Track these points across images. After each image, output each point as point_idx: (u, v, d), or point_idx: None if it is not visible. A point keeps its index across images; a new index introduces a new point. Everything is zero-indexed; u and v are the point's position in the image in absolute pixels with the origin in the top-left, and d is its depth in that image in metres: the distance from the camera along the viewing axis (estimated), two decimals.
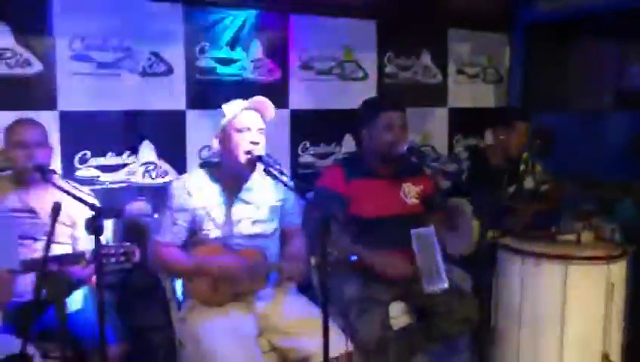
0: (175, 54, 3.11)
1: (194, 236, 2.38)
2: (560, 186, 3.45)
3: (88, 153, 2.92)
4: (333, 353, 2.08)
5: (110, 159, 2.98)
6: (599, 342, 2.61)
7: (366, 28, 3.74)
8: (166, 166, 3.14)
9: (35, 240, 2.37)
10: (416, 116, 3.87)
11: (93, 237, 1.87)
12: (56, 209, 1.90)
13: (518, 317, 2.69)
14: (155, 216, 2.82)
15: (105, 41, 2.91)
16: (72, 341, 2.12)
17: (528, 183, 3.34)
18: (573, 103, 4.28)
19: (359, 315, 2.50)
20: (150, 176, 3.10)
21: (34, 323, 2.03)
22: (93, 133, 2.92)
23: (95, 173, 2.95)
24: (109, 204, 2.81)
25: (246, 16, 3.29)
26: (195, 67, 3.18)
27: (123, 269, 2.08)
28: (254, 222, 2.43)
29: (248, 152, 2.32)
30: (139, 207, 3.03)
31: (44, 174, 2.29)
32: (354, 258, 2.26)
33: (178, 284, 2.48)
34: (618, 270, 2.64)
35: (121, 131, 3.01)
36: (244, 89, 3.27)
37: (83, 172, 2.91)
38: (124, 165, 3.03)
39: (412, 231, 2.54)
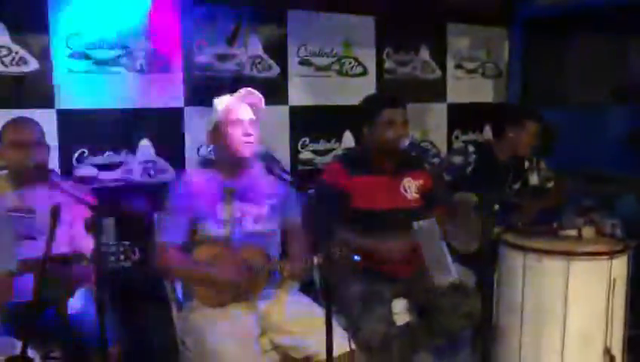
0: (174, 51, 3.08)
1: (197, 235, 2.36)
2: (562, 182, 3.44)
3: (86, 151, 2.90)
4: (336, 352, 2.06)
5: (108, 157, 2.96)
6: (601, 336, 2.60)
7: (365, 23, 3.73)
8: (164, 164, 3.12)
9: (34, 239, 2.34)
10: (415, 112, 3.85)
11: (92, 236, 1.85)
12: (56, 211, 1.87)
13: (520, 312, 2.68)
14: (155, 214, 2.81)
15: (102, 39, 2.89)
16: (72, 341, 2.09)
17: (533, 180, 3.33)
18: (572, 98, 4.27)
19: (363, 312, 2.49)
20: (148, 174, 3.09)
21: (34, 324, 2.00)
22: (90, 131, 2.90)
23: (93, 171, 2.93)
24: (107, 203, 2.80)
25: (244, 12, 3.26)
26: (194, 64, 3.16)
27: (123, 268, 2.04)
28: (256, 220, 2.41)
29: (243, 144, 2.31)
30: (137, 205, 3.01)
31: (43, 173, 2.27)
32: (357, 258, 2.25)
33: (179, 284, 2.47)
34: (620, 265, 2.62)
35: (119, 129, 2.99)
36: (242, 85, 3.24)
37: (81, 170, 2.89)
38: (122, 163, 3.01)
39: (414, 225, 2.53)
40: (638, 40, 3.95)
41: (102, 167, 2.95)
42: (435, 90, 4.12)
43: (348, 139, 3.69)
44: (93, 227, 1.86)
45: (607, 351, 2.61)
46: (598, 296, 2.59)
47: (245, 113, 2.37)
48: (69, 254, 2.19)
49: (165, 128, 3.12)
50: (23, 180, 2.37)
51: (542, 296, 2.63)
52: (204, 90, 3.17)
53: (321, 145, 3.63)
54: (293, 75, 3.48)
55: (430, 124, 4.11)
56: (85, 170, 2.90)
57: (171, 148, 3.14)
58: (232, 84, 3.24)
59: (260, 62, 3.37)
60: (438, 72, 4.10)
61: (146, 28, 3.00)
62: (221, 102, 2.39)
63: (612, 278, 2.58)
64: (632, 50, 4.03)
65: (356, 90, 3.63)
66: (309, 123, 3.56)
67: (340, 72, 3.66)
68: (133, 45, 2.97)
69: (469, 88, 4.27)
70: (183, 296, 2.46)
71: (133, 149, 3.03)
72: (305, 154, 3.57)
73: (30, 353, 1.93)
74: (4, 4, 2.66)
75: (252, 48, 3.34)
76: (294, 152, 3.53)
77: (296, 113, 3.50)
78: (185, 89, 3.14)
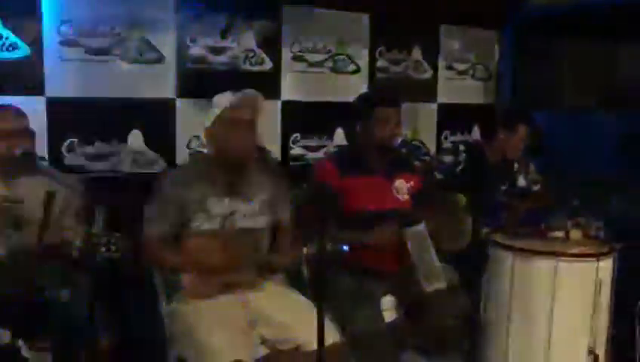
0: (166, 42, 3.06)
1: (186, 228, 2.35)
2: (548, 185, 3.48)
3: (76, 141, 2.86)
4: (326, 343, 2.06)
5: (98, 147, 2.93)
6: (586, 336, 2.64)
7: (359, 21, 3.73)
8: (154, 155, 3.10)
9: (22, 229, 2.31)
10: (406, 111, 3.85)
11: (81, 226, 1.83)
12: (50, 198, 1.84)
13: (508, 312, 2.71)
14: (144, 206, 2.78)
15: (95, 27, 2.85)
16: (60, 331, 2.07)
17: (521, 182, 3.37)
18: (561, 101, 4.32)
19: (352, 309, 2.50)
20: (138, 166, 3.05)
21: (23, 313, 1.98)
22: (81, 120, 2.86)
23: (82, 161, 2.89)
24: (96, 193, 2.76)
25: (239, 5, 3.25)
26: (186, 55, 3.13)
27: (111, 259, 2.02)
28: (246, 215, 2.41)
29: (240, 145, 2.29)
30: (126, 196, 2.98)
31: (32, 162, 2.23)
32: (345, 248, 2.26)
33: (168, 276, 2.45)
34: (606, 267, 2.67)
35: (110, 119, 2.96)
36: (235, 79, 3.25)
37: (70, 160, 2.86)
38: (112, 154, 2.98)
39: (405, 232, 2.54)
40: (628, 45, 4.01)
41: (91, 157, 2.91)
42: (426, 90, 4.13)
43: (339, 136, 3.69)
44: (84, 217, 1.83)
45: (592, 351, 2.65)
46: (584, 297, 2.63)
47: (245, 114, 2.35)
48: (58, 243, 2.15)
49: (156, 119, 3.09)
50: (10, 169, 2.33)
51: (529, 296, 2.67)
52: (196, 82, 3.16)
53: (313, 141, 3.62)
54: (286, 70, 3.47)
55: (420, 123, 4.12)
56: (75, 160, 2.87)
57: (162, 139, 3.11)
58: (225, 77, 3.23)
59: (253, 56, 3.35)
60: (430, 72, 4.12)
61: (140, 18, 2.96)
62: (221, 100, 2.36)
63: (598, 280, 2.62)
64: (621, 55, 4.09)
65: (348, 88, 3.65)
66: (301, 119, 3.55)
67: (332, 69, 3.66)
68: (126, 35, 2.94)
69: (459, 89, 4.29)
70: (172, 288, 2.44)
71: (123, 140, 3.00)
72: (296, 150, 3.56)
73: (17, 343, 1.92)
74: None
75: (246, 42, 3.32)
76: (285, 148, 3.52)
77: (288, 108, 3.49)
78: (177, 80, 3.11)
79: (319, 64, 3.60)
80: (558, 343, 2.62)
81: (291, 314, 2.33)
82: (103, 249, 2.02)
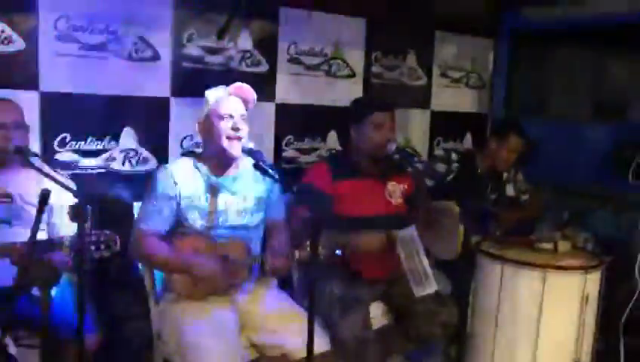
0: (162, 40, 3.04)
1: (178, 225, 2.34)
2: (537, 195, 3.50)
3: (68, 136, 2.84)
4: (315, 351, 2.07)
5: (90, 144, 2.91)
6: (572, 349, 2.67)
7: (356, 25, 3.73)
8: (147, 153, 3.08)
9: (10, 225, 2.29)
10: (399, 117, 3.85)
11: (74, 224, 1.82)
12: (45, 196, 1.82)
13: (495, 322, 2.73)
14: (135, 204, 2.77)
15: (91, 23, 2.83)
16: (48, 329, 2.05)
17: (509, 191, 3.39)
18: (553, 112, 4.35)
19: (341, 314, 2.50)
20: (130, 163, 3.04)
21: (10, 311, 1.96)
22: (74, 116, 2.83)
23: (74, 157, 2.87)
24: (87, 190, 2.74)
25: (236, 5, 3.23)
26: (182, 54, 3.12)
27: (101, 258, 2.01)
28: (240, 213, 2.40)
29: (231, 138, 2.30)
30: (118, 194, 2.97)
31: (24, 156, 2.21)
32: (339, 252, 2.27)
33: (157, 276, 2.44)
34: (593, 280, 2.69)
35: (103, 116, 2.93)
36: (230, 79, 3.22)
37: (62, 155, 2.83)
38: (105, 150, 2.96)
39: (394, 233, 2.54)
40: (620, 58, 4.05)
41: (83, 153, 2.89)
42: (420, 97, 4.14)
43: (332, 139, 3.69)
44: (76, 215, 1.82)
45: None
46: (571, 310, 2.65)
47: (236, 108, 2.35)
48: (48, 241, 2.14)
49: (150, 118, 3.07)
50: (2, 163, 2.31)
51: (517, 306, 2.68)
52: (191, 81, 3.13)
53: (306, 144, 3.62)
54: (281, 72, 3.46)
55: (413, 129, 4.14)
56: (66, 156, 2.84)
57: (155, 138, 3.09)
58: (221, 77, 3.21)
59: (249, 57, 3.34)
60: (424, 79, 4.14)
61: (136, 15, 2.95)
62: (213, 94, 2.37)
63: (585, 293, 2.64)
64: (613, 68, 4.13)
65: (343, 92, 3.65)
66: (295, 121, 3.55)
67: (328, 73, 3.66)
68: (122, 32, 2.92)
69: (452, 97, 4.31)
70: (162, 288, 2.43)
71: (116, 137, 2.98)
72: (289, 152, 3.56)
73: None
74: None
75: (242, 42, 3.31)
76: (278, 149, 3.51)
77: (283, 110, 3.49)
78: (172, 79, 3.10)
79: (315, 67, 3.60)
80: (544, 355, 2.64)
81: (281, 319, 2.33)
82: (93, 247, 2.01)
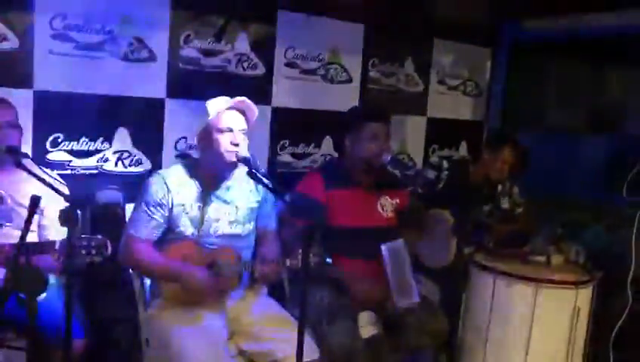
0: (159, 41, 3.02)
1: (169, 233, 2.32)
2: (531, 209, 3.50)
3: (61, 136, 2.82)
4: (305, 359, 2.05)
5: (83, 144, 2.89)
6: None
7: (354, 31, 3.72)
8: (141, 155, 3.06)
9: (0, 226, 2.26)
10: (395, 124, 3.86)
11: (64, 227, 1.79)
12: (35, 202, 1.80)
13: (486, 333, 2.73)
14: (127, 206, 2.74)
15: (87, 22, 2.80)
16: (36, 332, 2.03)
17: (504, 203, 3.38)
18: (550, 123, 4.36)
19: (330, 323, 2.49)
20: (123, 165, 3.02)
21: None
22: (67, 115, 2.81)
23: (67, 157, 2.85)
24: (78, 191, 2.71)
25: (234, 8, 3.22)
26: (179, 56, 3.10)
27: (92, 262, 1.99)
28: (232, 222, 2.39)
29: (229, 152, 2.27)
30: (110, 196, 2.94)
31: (14, 158, 2.18)
32: (329, 260, 2.25)
33: (147, 282, 2.42)
34: (585, 295, 2.70)
35: (97, 116, 2.91)
36: (226, 82, 3.23)
37: (54, 155, 2.81)
38: (98, 151, 2.93)
39: (382, 246, 2.54)
40: (618, 72, 4.05)
41: (76, 154, 2.86)
42: (416, 104, 4.14)
43: (327, 145, 3.68)
44: (66, 219, 1.79)
45: None
46: (563, 323, 2.66)
47: (237, 122, 2.32)
48: (38, 243, 2.12)
49: (144, 119, 3.05)
50: None
51: (508, 318, 2.69)
52: (187, 83, 3.12)
53: (300, 149, 3.61)
54: (278, 76, 3.45)
55: (409, 136, 4.13)
56: (59, 155, 2.82)
57: (149, 139, 3.07)
58: (217, 80, 3.20)
59: (246, 60, 3.33)
60: (421, 86, 4.13)
61: (133, 15, 2.92)
62: (214, 106, 2.33)
63: (577, 307, 2.64)
64: (610, 81, 4.13)
65: (340, 97, 3.64)
66: (290, 125, 3.53)
67: (325, 78, 3.64)
68: (119, 32, 2.90)
69: (449, 104, 4.31)
70: (150, 294, 2.41)
71: (109, 138, 2.95)
72: (283, 157, 3.54)
73: None
74: None
75: (239, 45, 3.29)
76: (273, 154, 3.50)
77: (279, 114, 3.47)
78: (168, 80, 3.08)
79: (312, 72, 3.58)
80: None
81: (270, 327, 2.32)
82: (84, 252, 1.99)
